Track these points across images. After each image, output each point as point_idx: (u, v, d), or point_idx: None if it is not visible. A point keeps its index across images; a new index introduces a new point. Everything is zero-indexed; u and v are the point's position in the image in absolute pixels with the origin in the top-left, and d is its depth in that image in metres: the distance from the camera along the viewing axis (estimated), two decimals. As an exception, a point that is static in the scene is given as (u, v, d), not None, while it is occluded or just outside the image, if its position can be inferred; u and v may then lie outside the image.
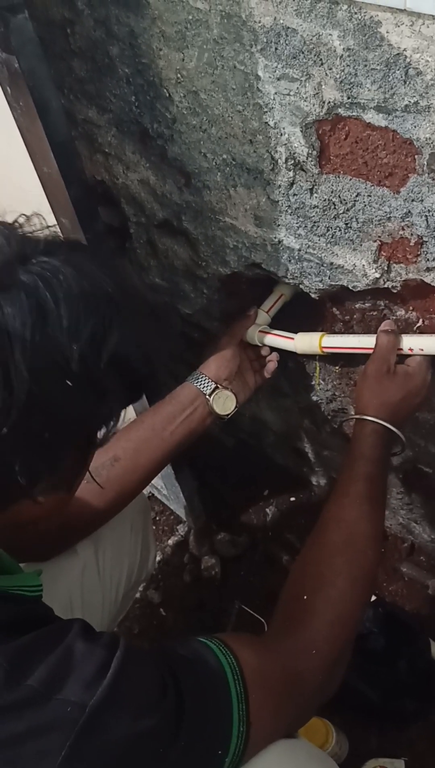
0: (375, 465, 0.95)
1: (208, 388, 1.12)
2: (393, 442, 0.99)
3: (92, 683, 0.64)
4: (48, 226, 0.72)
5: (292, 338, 1.13)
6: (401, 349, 1.00)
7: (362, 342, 1.04)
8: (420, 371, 1.00)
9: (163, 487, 1.69)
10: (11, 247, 0.64)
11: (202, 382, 1.12)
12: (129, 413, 1.38)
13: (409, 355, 1.01)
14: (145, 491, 1.81)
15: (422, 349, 0.98)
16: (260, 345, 1.18)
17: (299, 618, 0.83)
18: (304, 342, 1.11)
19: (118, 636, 0.71)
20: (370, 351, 1.02)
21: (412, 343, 0.99)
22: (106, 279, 0.69)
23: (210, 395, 1.12)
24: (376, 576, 0.88)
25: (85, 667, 0.65)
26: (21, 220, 0.70)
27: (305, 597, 0.84)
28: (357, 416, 1.00)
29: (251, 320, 1.18)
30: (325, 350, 1.09)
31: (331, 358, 1.19)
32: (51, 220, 1.08)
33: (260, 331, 1.17)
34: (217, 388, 1.12)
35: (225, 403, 1.14)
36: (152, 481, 1.74)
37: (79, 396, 0.64)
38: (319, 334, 1.09)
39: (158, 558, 1.65)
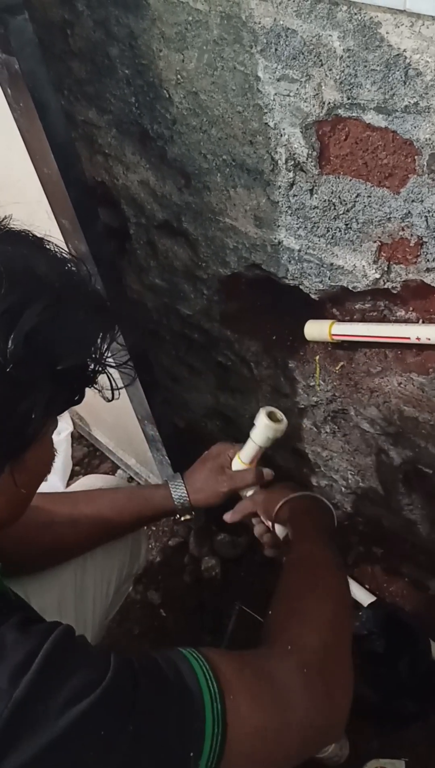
0: (326, 524, 1.03)
1: (180, 501, 1.18)
2: (323, 508, 1.06)
3: (18, 673, 0.62)
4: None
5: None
6: (408, 338, 0.99)
7: (372, 330, 1.04)
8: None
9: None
10: None
11: (179, 494, 1.18)
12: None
13: (418, 345, 1.01)
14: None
15: (429, 339, 0.98)
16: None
17: (288, 637, 0.81)
18: (314, 329, 1.12)
19: (58, 624, 0.69)
20: (380, 339, 1.04)
21: (419, 332, 0.99)
22: (43, 267, 0.65)
23: (180, 508, 1.19)
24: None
25: (13, 657, 0.63)
26: None
27: (290, 628, 0.84)
28: (281, 501, 1.08)
29: (258, 483, 1.19)
30: (335, 337, 1.09)
31: (332, 359, 1.19)
32: (52, 221, 1.09)
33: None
34: (188, 506, 1.19)
35: (186, 513, 1.21)
36: (152, 482, 1.75)
37: None
38: (330, 321, 1.10)
39: (158, 559, 1.65)
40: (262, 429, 1.12)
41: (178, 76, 0.96)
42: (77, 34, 1.06)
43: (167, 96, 1.00)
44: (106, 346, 0.69)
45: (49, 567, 1.12)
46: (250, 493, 1.19)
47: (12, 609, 0.72)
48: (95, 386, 0.73)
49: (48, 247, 0.70)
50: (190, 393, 1.66)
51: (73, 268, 0.70)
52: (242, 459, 1.19)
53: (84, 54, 1.08)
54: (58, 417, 0.73)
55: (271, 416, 1.12)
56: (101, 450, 1.90)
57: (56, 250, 0.71)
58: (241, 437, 1.55)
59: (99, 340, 0.68)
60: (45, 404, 0.64)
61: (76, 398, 0.71)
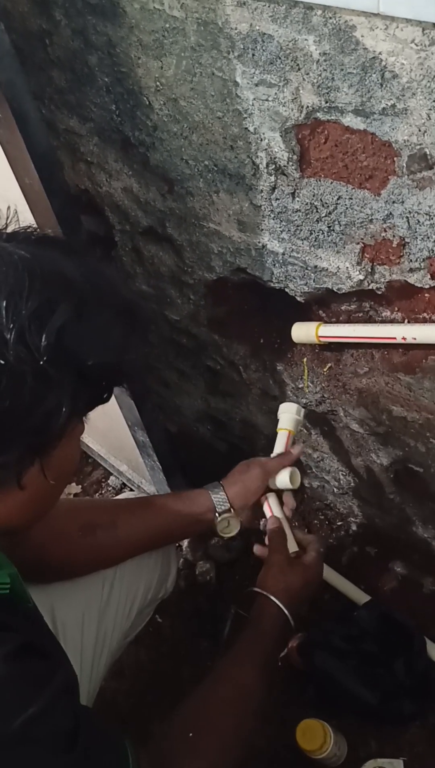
0: (272, 641, 1.01)
1: (222, 507, 1.14)
2: (289, 627, 1.05)
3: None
4: (29, 226, 0.73)
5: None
6: (395, 338, 1.00)
7: (358, 331, 1.04)
8: (316, 564, 1.11)
9: (156, 492, 1.69)
10: None
11: (219, 499, 1.14)
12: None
13: (404, 344, 1.01)
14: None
15: (415, 338, 0.98)
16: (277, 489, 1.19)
17: (181, 753, 0.84)
18: (301, 331, 1.12)
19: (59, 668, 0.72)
20: (366, 340, 1.04)
21: (405, 332, 0.99)
22: (71, 268, 0.68)
23: (220, 514, 1.14)
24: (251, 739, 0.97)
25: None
26: None
27: (192, 735, 0.86)
28: (264, 592, 1.06)
29: (288, 462, 1.17)
30: (322, 339, 1.09)
31: (319, 360, 1.19)
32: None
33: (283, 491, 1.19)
34: (229, 510, 1.14)
35: (229, 526, 1.16)
36: (145, 488, 1.75)
37: (17, 380, 0.62)
38: (316, 323, 1.10)
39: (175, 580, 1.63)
40: (289, 412, 1.18)
41: (158, 83, 0.97)
42: (56, 43, 1.06)
43: (147, 103, 1.01)
44: (132, 348, 0.73)
45: (85, 574, 1.12)
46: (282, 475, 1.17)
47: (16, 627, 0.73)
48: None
49: (77, 252, 0.74)
50: (180, 398, 1.66)
51: (101, 273, 0.73)
52: (277, 452, 1.19)
53: (63, 63, 1.08)
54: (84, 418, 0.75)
55: None
56: (93, 457, 1.90)
57: (85, 255, 0.75)
58: (232, 440, 1.55)
59: (124, 342, 0.71)
60: (72, 400, 0.66)
61: (105, 396, 0.74)
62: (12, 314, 0.62)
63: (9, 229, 0.72)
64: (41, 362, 0.63)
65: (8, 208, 0.72)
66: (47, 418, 0.66)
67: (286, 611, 1.03)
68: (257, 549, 1.16)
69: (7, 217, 0.72)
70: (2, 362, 0.61)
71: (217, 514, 1.14)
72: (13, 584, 0.74)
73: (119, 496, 1.38)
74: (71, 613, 1.08)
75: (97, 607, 1.12)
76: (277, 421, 1.20)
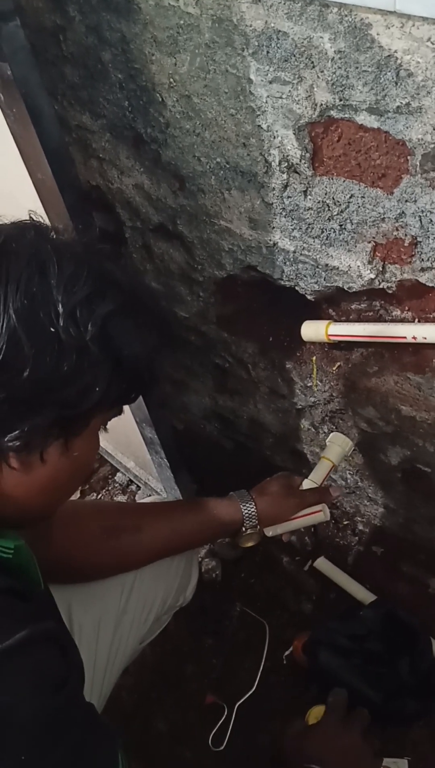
0: None
1: (251, 522, 1.13)
2: None
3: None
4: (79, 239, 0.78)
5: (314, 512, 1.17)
6: (405, 338, 1.00)
7: (368, 330, 1.04)
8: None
9: (163, 490, 1.69)
10: (35, 223, 0.74)
11: (250, 513, 1.13)
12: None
13: (414, 344, 1.01)
14: (144, 494, 1.81)
15: (425, 338, 0.98)
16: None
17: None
18: (311, 330, 1.12)
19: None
20: (376, 339, 1.04)
21: (416, 332, 0.99)
22: (120, 272, 0.75)
23: (246, 529, 1.13)
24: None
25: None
26: (61, 228, 0.76)
27: None
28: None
29: (327, 502, 1.17)
30: (332, 338, 1.09)
31: (328, 359, 1.19)
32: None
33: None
34: (256, 526, 1.14)
35: (250, 539, 1.16)
36: (152, 485, 1.75)
37: (61, 349, 0.67)
38: (326, 322, 1.10)
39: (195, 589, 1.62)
40: (338, 446, 1.19)
41: (171, 80, 0.97)
42: (70, 40, 1.07)
43: (160, 100, 1.01)
44: (162, 353, 0.78)
45: (107, 576, 1.12)
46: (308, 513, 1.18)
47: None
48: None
49: (122, 262, 0.80)
50: (188, 395, 1.67)
51: (142, 283, 0.77)
52: (313, 479, 1.19)
53: (77, 59, 1.08)
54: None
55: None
56: (100, 453, 1.90)
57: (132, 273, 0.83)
58: (239, 439, 1.55)
59: (157, 344, 0.77)
60: (106, 383, 0.71)
61: (132, 396, 0.78)
62: (68, 294, 0.68)
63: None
64: (86, 339, 0.68)
65: (69, 224, 0.81)
66: (81, 395, 0.70)
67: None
68: None
69: (57, 228, 0.77)
70: (52, 330, 0.66)
71: (244, 528, 1.13)
72: (16, 553, 0.75)
73: (146, 499, 1.38)
74: (88, 617, 1.08)
75: (115, 613, 1.12)
76: (284, 420, 1.20)
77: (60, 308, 0.67)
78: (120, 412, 0.80)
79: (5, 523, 0.76)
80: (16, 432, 0.68)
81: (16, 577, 0.76)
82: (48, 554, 0.81)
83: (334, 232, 0.96)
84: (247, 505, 1.13)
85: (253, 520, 1.13)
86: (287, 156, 0.91)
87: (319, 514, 1.16)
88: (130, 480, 1.87)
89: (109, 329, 0.70)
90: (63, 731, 0.66)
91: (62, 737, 0.66)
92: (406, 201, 0.84)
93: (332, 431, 1.35)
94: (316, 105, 0.83)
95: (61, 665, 0.70)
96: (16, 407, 0.67)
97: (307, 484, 1.18)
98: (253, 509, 1.13)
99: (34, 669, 0.66)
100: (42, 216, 0.96)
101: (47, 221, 1.02)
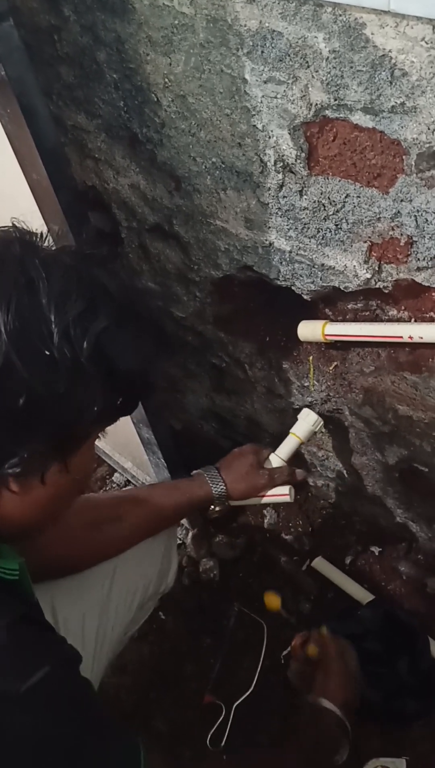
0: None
1: (221, 500, 1.21)
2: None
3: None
4: (71, 246, 0.78)
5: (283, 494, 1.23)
6: (401, 337, 1.00)
7: (364, 330, 1.04)
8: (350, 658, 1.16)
9: (161, 490, 1.69)
10: (19, 234, 0.71)
11: (220, 492, 1.20)
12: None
13: (410, 343, 1.01)
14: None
15: (422, 338, 0.98)
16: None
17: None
18: (307, 330, 1.12)
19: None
20: (373, 339, 1.04)
21: (412, 331, 0.99)
22: (111, 282, 0.73)
23: (216, 506, 1.21)
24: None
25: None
26: (45, 234, 0.75)
27: None
28: (329, 707, 1.08)
29: (292, 481, 1.24)
30: (328, 337, 1.09)
31: (325, 359, 1.19)
32: (42, 226, 1.08)
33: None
34: (226, 502, 1.21)
35: (218, 512, 1.23)
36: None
37: (56, 371, 0.66)
38: (322, 322, 1.10)
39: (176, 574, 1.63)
40: (307, 423, 1.23)
41: (166, 80, 0.96)
42: (65, 39, 1.06)
43: (155, 99, 1.00)
44: (159, 360, 0.79)
45: (90, 567, 1.14)
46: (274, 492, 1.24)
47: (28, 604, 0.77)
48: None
49: (113, 269, 0.81)
50: (185, 395, 1.67)
51: (134, 289, 0.76)
52: (280, 455, 1.25)
53: (72, 59, 1.08)
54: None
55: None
56: (98, 453, 1.90)
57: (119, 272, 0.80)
58: (237, 438, 1.55)
59: (153, 352, 0.76)
60: (103, 400, 0.70)
61: (130, 407, 0.78)
62: (60, 312, 0.66)
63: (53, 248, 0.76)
64: (81, 359, 0.66)
65: (58, 229, 0.79)
66: (79, 414, 0.69)
67: (338, 713, 1.07)
68: None
69: (54, 236, 0.76)
70: (47, 353, 0.65)
71: (213, 506, 1.21)
72: (21, 573, 0.76)
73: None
74: (72, 609, 1.09)
75: (99, 603, 1.13)
76: (281, 419, 1.21)
77: (53, 328, 0.65)
78: (116, 420, 0.79)
79: (4, 539, 0.76)
80: (16, 459, 0.68)
81: (23, 598, 0.77)
82: (31, 556, 0.81)
83: (330, 231, 0.96)
84: (218, 486, 1.19)
85: (224, 499, 1.20)
86: (283, 156, 0.91)
87: (285, 496, 1.22)
88: (128, 480, 1.86)
89: (103, 346, 0.68)
90: (92, 752, 0.70)
91: (91, 757, 0.70)
92: (402, 200, 0.84)
93: (329, 432, 1.35)
94: (311, 105, 0.83)
95: (80, 686, 0.73)
96: (15, 433, 0.66)
97: (274, 458, 1.25)
98: (223, 489, 1.20)
99: (59, 700, 0.69)
100: (38, 216, 0.96)
101: (42, 222, 1.02)
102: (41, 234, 0.74)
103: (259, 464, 1.24)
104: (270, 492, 1.24)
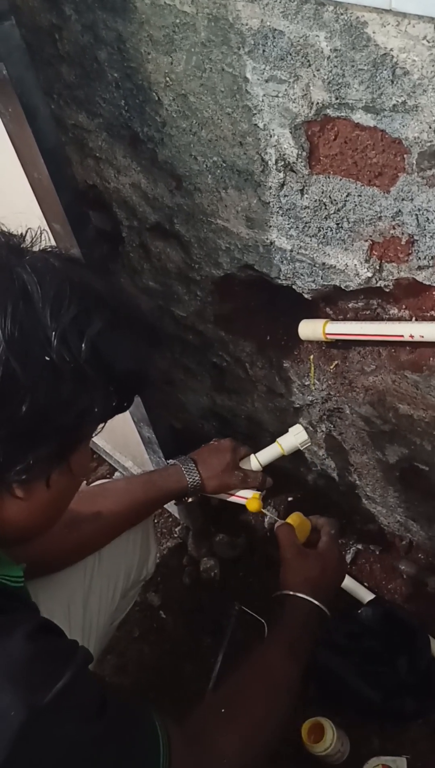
0: (299, 626, 1.03)
1: (195, 492, 1.23)
2: (318, 613, 1.06)
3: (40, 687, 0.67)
4: (55, 246, 0.77)
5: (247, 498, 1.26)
6: (402, 336, 1.00)
7: (365, 328, 1.04)
8: (330, 548, 1.14)
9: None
10: (6, 239, 0.70)
11: (195, 485, 1.22)
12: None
13: (411, 342, 1.01)
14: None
15: (422, 336, 0.98)
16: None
17: (215, 728, 0.88)
18: (308, 329, 1.12)
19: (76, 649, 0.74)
20: (374, 338, 1.04)
21: (413, 330, 0.99)
22: (100, 283, 0.73)
23: (189, 497, 1.24)
24: (288, 718, 1.00)
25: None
26: (27, 234, 0.74)
27: (225, 711, 0.90)
28: (285, 591, 1.07)
29: (262, 486, 1.26)
30: (329, 336, 1.09)
31: (326, 358, 1.19)
32: (43, 225, 1.08)
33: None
34: (199, 494, 1.24)
35: (191, 501, 1.27)
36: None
37: (57, 376, 0.66)
38: (323, 320, 1.10)
39: (157, 560, 1.65)
40: (295, 440, 1.23)
41: (167, 79, 0.97)
42: (65, 39, 1.06)
43: (157, 99, 1.00)
44: (154, 360, 0.80)
45: (71, 564, 1.15)
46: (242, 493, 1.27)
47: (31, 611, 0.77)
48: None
49: (102, 272, 0.82)
50: (186, 394, 1.67)
51: (124, 292, 0.76)
52: (260, 459, 1.26)
53: (73, 58, 1.08)
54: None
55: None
56: (98, 453, 1.90)
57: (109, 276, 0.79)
58: (237, 437, 1.54)
59: (148, 353, 0.77)
60: (103, 402, 0.71)
61: (126, 404, 0.78)
62: (56, 317, 0.66)
63: (35, 248, 0.75)
64: (80, 362, 0.67)
65: (38, 228, 0.76)
66: (80, 417, 0.70)
67: (310, 599, 1.05)
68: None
69: (34, 236, 0.75)
70: (47, 359, 0.65)
71: (186, 497, 1.24)
72: (24, 579, 0.77)
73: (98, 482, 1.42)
74: (56, 604, 1.10)
75: (81, 595, 1.15)
76: (282, 419, 1.21)
77: (51, 333, 0.65)
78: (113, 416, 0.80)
79: (5, 543, 0.76)
80: (20, 466, 0.68)
81: (28, 604, 0.78)
82: (12, 560, 0.82)
83: (331, 230, 0.96)
84: (194, 480, 1.21)
85: (198, 491, 1.23)
86: (284, 155, 0.91)
87: (252, 500, 1.24)
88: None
89: (99, 348, 0.69)
90: (115, 746, 0.72)
91: (116, 751, 0.72)
92: (403, 199, 0.84)
93: (330, 431, 1.35)
94: (312, 103, 0.83)
95: (95, 685, 0.74)
96: (18, 441, 0.67)
97: (253, 460, 1.27)
98: (198, 482, 1.22)
99: (80, 704, 0.70)
100: (39, 215, 0.96)
101: (44, 221, 1.02)
102: (22, 235, 0.73)
103: (235, 464, 1.25)
104: (239, 492, 1.27)
